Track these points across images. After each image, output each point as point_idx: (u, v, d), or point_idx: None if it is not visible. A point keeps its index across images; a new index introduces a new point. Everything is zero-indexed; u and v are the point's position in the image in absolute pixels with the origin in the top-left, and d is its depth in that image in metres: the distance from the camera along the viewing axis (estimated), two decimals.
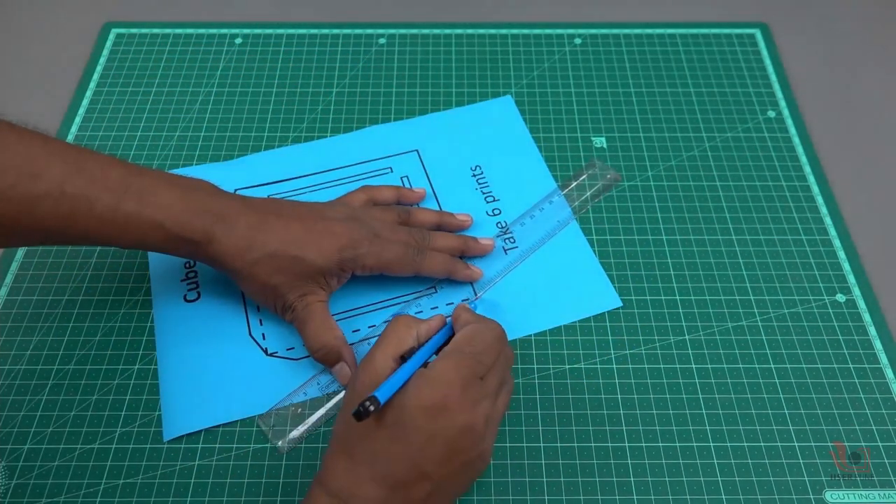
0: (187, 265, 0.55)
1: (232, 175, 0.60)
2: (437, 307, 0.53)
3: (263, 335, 0.51)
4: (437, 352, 0.43)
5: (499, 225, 0.57)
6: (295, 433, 0.47)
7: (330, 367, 0.49)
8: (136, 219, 0.44)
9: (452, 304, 0.53)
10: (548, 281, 0.54)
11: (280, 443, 0.47)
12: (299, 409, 0.48)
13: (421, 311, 0.52)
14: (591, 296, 0.53)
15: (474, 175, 0.60)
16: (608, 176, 0.59)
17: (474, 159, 0.61)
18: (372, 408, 0.37)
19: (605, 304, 0.53)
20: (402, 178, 0.59)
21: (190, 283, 0.54)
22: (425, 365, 0.41)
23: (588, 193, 0.58)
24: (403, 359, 0.41)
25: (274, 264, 0.47)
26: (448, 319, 0.45)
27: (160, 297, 0.53)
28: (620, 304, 0.53)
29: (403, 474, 0.38)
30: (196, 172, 0.59)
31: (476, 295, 0.53)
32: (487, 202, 0.58)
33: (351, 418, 0.38)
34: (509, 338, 0.51)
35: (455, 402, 0.38)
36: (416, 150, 0.61)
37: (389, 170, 0.60)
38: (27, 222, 0.42)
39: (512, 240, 0.56)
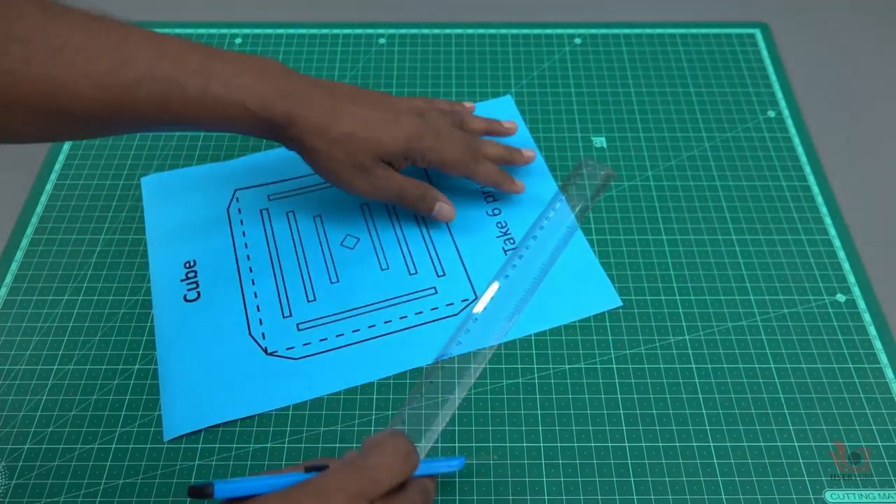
0: (187, 265, 0.55)
1: (232, 175, 0.60)
2: (437, 307, 0.53)
3: (263, 334, 0.51)
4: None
5: (499, 225, 0.57)
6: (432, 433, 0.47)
7: (429, 213, 0.55)
8: (223, 101, 0.46)
9: (452, 304, 0.53)
10: (548, 281, 0.54)
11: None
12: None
13: (421, 312, 0.52)
14: (591, 296, 0.53)
15: None
16: (602, 174, 0.59)
17: None
18: (208, 490, 0.33)
19: (606, 304, 0.53)
20: None
21: (190, 283, 0.54)
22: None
23: (588, 193, 0.58)
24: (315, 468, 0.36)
25: (351, 144, 0.50)
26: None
27: (160, 296, 0.53)
28: (620, 303, 0.53)
29: None
30: (196, 173, 0.59)
31: (475, 295, 0.53)
32: (487, 202, 0.58)
33: None
34: (511, 337, 0.51)
35: None
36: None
37: None
38: (127, 108, 0.44)
39: (512, 241, 0.56)
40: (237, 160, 0.61)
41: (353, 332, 0.52)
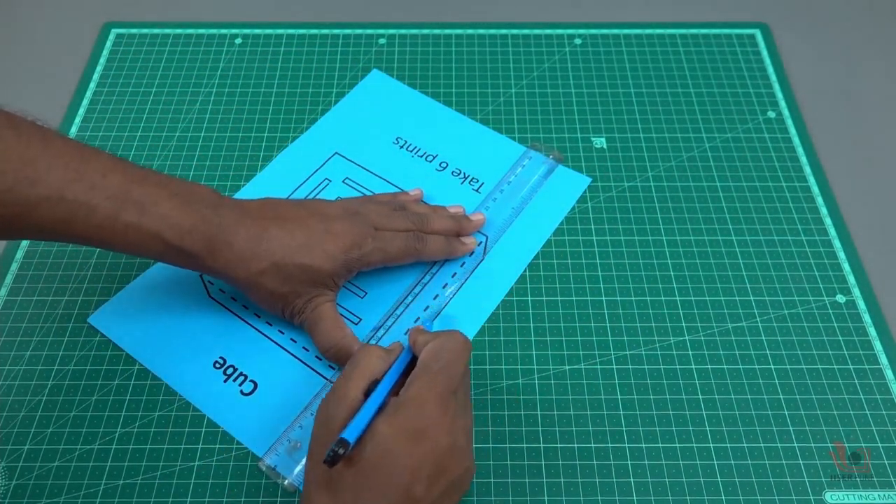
0: (217, 364, 0.51)
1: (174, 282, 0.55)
2: (463, 262, 0.55)
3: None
4: (402, 377, 0.42)
5: (468, 181, 0.60)
6: (299, 468, 0.45)
7: (341, 366, 0.49)
8: (135, 229, 0.43)
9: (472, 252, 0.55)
10: (518, 207, 0.58)
11: (286, 482, 0.45)
12: (297, 444, 0.46)
13: (455, 274, 0.54)
14: (562, 190, 0.59)
15: (400, 146, 0.62)
16: (551, 156, 0.60)
17: (391, 133, 0.63)
18: (342, 451, 0.36)
19: (578, 189, 0.59)
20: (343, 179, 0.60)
21: (237, 377, 0.50)
22: (396, 392, 0.40)
23: (535, 177, 0.60)
24: (369, 390, 0.40)
25: (280, 274, 0.47)
26: (406, 344, 0.45)
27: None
28: (590, 180, 0.59)
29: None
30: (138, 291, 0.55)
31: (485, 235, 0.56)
32: (428, 161, 0.61)
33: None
34: (518, 274, 0.54)
35: (435, 424, 0.38)
36: (336, 152, 0.61)
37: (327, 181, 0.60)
38: (23, 224, 0.42)
39: (476, 179, 0.60)
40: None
41: (415, 321, 0.52)
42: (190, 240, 0.44)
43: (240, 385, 0.49)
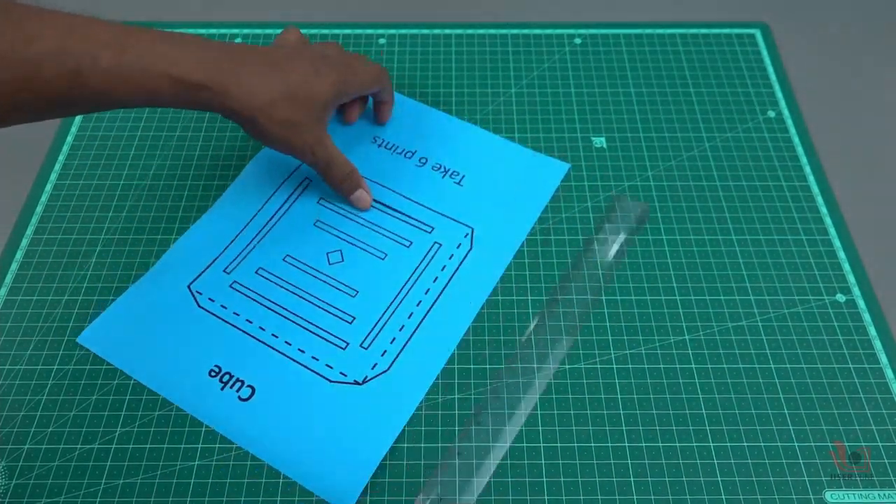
0: (212, 372, 0.50)
1: (170, 278, 0.55)
2: (452, 255, 0.55)
3: (330, 366, 0.50)
4: None
5: (434, 168, 0.61)
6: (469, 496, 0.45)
7: (349, 194, 0.56)
8: (141, 71, 0.45)
9: (460, 245, 0.56)
10: (499, 187, 0.59)
11: None
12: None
13: (444, 267, 0.55)
14: (541, 178, 0.60)
15: (379, 145, 0.63)
16: (639, 211, 0.58)
17: (369, 133, 0.64)
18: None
19: (557, 176, 0.60)
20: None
21: (234, 384, 0.50)
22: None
23: (623, 236, 0.57)
24: None
25: (290, 104, 0.50)
26: None
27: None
28: (569, 166, 0.60)
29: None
30: (126, 306, 0.54)
31: (470, 227, 0.57)
32: (410, 158, 0.62)
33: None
34: (506, 263, 0.55)
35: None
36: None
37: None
38: (36, 86, 0.42)
39: (456, 173, 0.61)
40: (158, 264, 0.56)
41: (408, 317, 0.52)
42: (198, 71, 0.46)
43: (237, 391, 0.49)
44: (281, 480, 0.46)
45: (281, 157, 0.61)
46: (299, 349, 0.51)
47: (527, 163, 0.61)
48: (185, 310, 0.52)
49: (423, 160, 0.61)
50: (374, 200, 0.58)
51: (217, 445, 0.47)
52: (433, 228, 0.57)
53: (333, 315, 0.52)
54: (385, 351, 0.51)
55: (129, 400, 0.49)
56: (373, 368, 0.50)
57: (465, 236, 0.56)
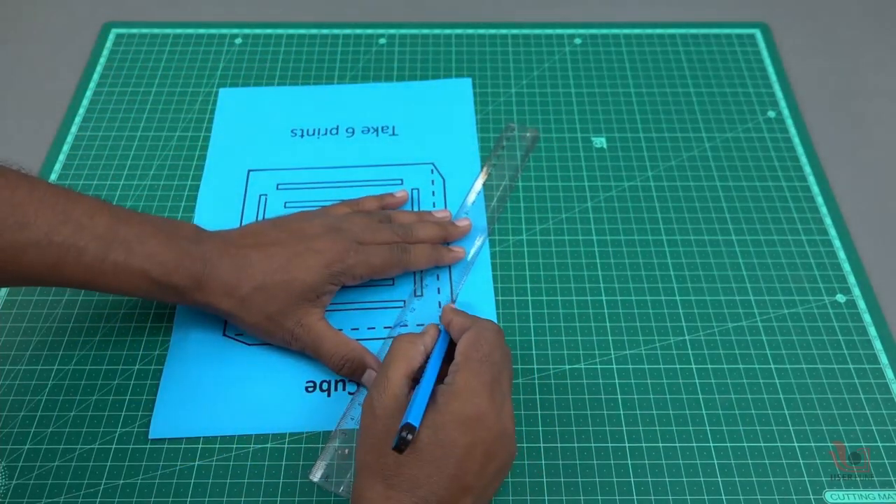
0: None
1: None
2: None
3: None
4: (445, 361, 0.43)
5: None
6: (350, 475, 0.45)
7: (357, 378, 0.49)
8: (123, 268, 0.44)
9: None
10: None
11: (341, 489, 0.45)
12: (346, 451, 0.46)
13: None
14: (453, 98, 0.65)
15: (299, 136, 0.63)
16: (528, 135, 0.62)
17: (285, 128, 0.64)
18: (410, 437, 0.37)
19: (466, 91, 0.65)
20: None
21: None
22: (441, 380, 0.41)
23: (518, 160, 0.61)
24: (416, 378, 0.42)
25: (264, 295, 0.47)
26: (441, 326, 0.46)
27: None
28: (469, 79, 0.64)
29: (446, 492, 0.37)
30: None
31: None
32: (333, 134, 0.64)
33: (384, 447, 0.38)
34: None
35: (486, 412, 0.39)
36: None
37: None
38: (13, 269, 0.42)
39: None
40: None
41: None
42: (177, 275, 0.45)
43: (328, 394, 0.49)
44: (281, 481, 0.46)
45: (225, 186, 0.60)
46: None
47: (435, 91, 0.65)
48: (225, 349, 0.51)
49: (350, 130, 0.63)
50: (338, 182, 0.59)
51: (217, 446, 0.47)
52: (402, 180, 0.59)
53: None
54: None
55: (129, 400, 0.49)
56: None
57: (432, 172, 0.60)
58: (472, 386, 0.40)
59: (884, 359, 0.51)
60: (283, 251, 0.48)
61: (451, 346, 0.44)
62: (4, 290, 0.54)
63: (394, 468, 0.38)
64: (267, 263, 0.47)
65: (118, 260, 0.44)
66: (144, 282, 0.45)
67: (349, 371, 0.49)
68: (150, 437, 0.47)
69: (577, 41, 0.70)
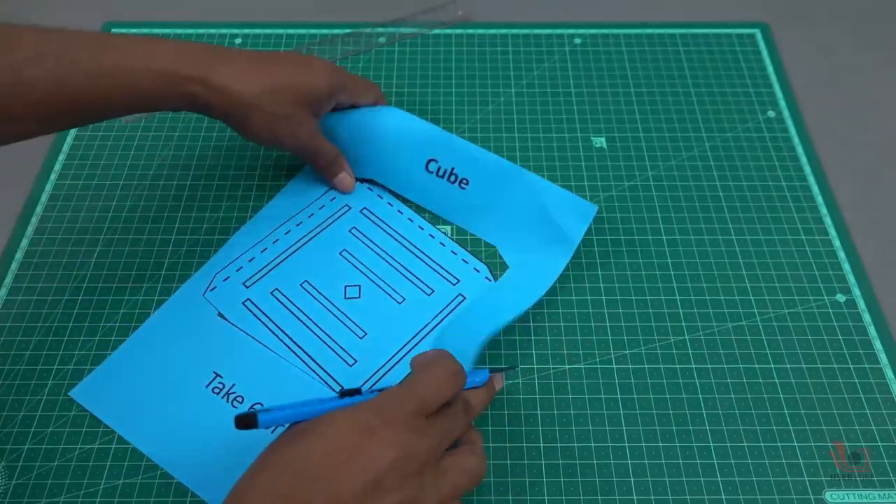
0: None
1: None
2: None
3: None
4: None
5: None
6: None
7: (332, 177, 0.57)
8: (122, 68, 0.44)
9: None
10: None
11: None
12: None
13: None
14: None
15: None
16: (460, 13, 0.61)
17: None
18: (250, 420, 0.34)
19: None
20: None
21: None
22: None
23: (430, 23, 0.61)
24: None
25: (280, 95, 0.49)
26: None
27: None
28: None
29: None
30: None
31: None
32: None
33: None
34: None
35: (389, 431, 0.34)
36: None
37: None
38: (18, 91, 0.42)
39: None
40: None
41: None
42: (180, 65, 0.46)
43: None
44: None
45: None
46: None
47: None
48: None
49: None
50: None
51: None
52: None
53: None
54: None
55: None
56: None
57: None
58: (390, 402, 0.35)
59: (884, 359, 0.51)
60: (293, 60, 0.51)
61: None
62: (4, 290, 0.54)
63: (281, 451, 0.34)
64: (280, 68, 0.50)
65: (115, 60, 0.44)
66: (148, 78, 0.45)
67: (334, 171, 0.56)
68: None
69: (577, 41, 0.70)
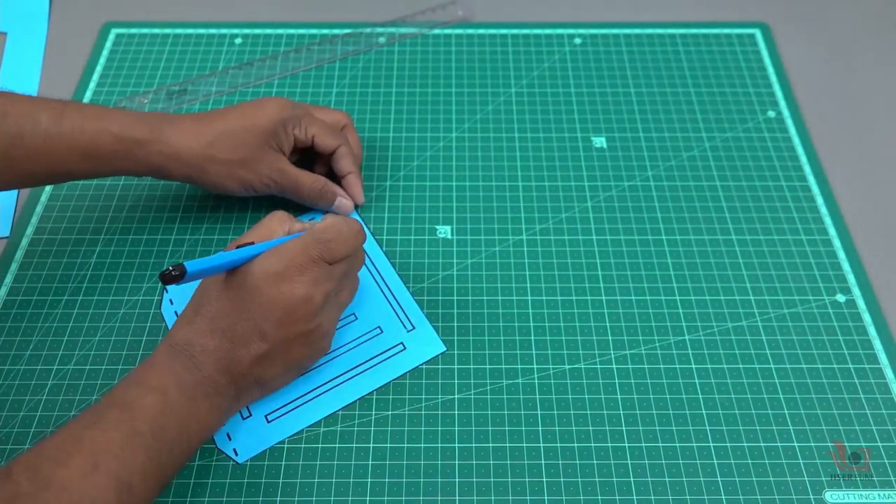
0: None
1: None
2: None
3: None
4: None
5: None
6: None
7: (330, 205, 0.56)
8: (81, 130, 0.47)
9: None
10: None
11: None
12: None
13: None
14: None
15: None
16: (460, 13, 0.61)
17: None
18: (175, 273, 0.40)
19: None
20: None
21: None
22: None
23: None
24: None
25: (230, 140, 0.51)
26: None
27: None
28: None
29: (242, 330, 0.43)
30: None
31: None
32: None
33: (212, 290, 0.43)
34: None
35: (296, 274, 0.43)
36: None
37: None
38: None
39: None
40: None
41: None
42: (137, 128, 0.49)
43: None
44: (280, 481, 0.46)
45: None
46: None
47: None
48: None
49: None
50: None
51: (216, 446, 0.47)
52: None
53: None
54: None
55: None
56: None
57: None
58: (294, 251, 0.43)
59: (884, 359, 0.51)
60: (243, 107, 0.53)
61: None
62: (4, 290, 0.54)
63: (205, 301, 0.43)
64: (226, 116, 0.52)
65: (75, 122, 0.47)
66: (106, 138, 0.48)
67: (328, 200, 0.55)
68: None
69: (577, 41, 0.70)
